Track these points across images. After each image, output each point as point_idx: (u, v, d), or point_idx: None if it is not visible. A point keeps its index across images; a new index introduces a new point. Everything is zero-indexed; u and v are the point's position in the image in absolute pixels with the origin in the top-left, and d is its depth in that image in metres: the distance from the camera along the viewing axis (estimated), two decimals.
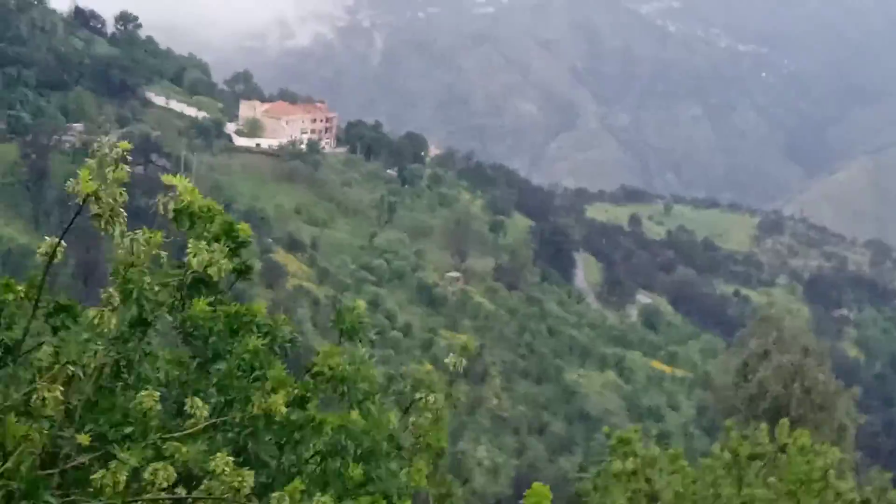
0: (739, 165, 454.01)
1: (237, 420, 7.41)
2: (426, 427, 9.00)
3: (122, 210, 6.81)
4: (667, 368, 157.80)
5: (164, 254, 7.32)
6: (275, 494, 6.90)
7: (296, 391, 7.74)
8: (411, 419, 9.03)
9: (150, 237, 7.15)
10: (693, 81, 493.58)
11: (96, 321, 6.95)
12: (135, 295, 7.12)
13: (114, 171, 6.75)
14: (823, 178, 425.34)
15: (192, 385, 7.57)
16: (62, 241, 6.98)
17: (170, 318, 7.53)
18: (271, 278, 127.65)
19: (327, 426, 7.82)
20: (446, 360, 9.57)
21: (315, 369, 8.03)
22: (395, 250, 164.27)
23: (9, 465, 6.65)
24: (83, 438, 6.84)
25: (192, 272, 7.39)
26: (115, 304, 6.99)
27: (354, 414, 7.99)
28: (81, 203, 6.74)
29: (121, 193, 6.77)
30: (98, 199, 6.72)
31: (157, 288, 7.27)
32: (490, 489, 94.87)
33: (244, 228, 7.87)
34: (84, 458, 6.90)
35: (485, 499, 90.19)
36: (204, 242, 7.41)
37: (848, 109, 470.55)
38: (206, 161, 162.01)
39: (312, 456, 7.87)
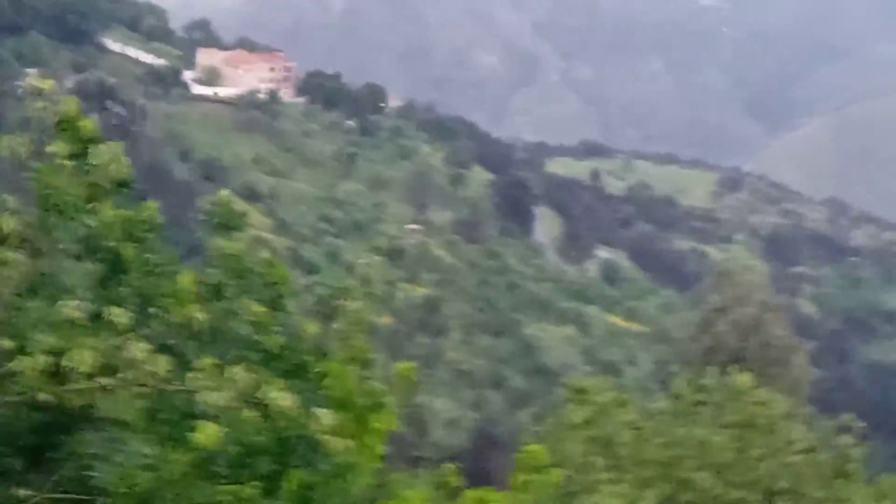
0: (701, 121, 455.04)
1: (158, 328, 7.53)
2: (349, 333, 9.15)
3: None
4: (625, 323, 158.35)
5: (68, 163, 7.35)
6: (190, 374, 7.05)
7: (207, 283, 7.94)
8: (334, 326, 9.21)
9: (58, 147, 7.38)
10: (656, 36, 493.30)
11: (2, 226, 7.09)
12: (53, 200, 7.19)
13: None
14: (784, 135, 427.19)
15: (106, 294, 7.60)
16: None
17: (87, 223, 7.53)
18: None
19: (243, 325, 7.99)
20: (363, 260, 9.74)
21: (215, 262, 8.26)
22: (355, 202, 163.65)
23: None
24: (6, 342, 6.95)
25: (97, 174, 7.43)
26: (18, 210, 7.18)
27: (264, 311, 8.08)
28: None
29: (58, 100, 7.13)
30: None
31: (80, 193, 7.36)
32: (448, 441, 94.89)
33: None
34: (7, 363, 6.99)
35: (443, 451, 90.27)
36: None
37: (812, 67, 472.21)
38: (163, 109, 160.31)
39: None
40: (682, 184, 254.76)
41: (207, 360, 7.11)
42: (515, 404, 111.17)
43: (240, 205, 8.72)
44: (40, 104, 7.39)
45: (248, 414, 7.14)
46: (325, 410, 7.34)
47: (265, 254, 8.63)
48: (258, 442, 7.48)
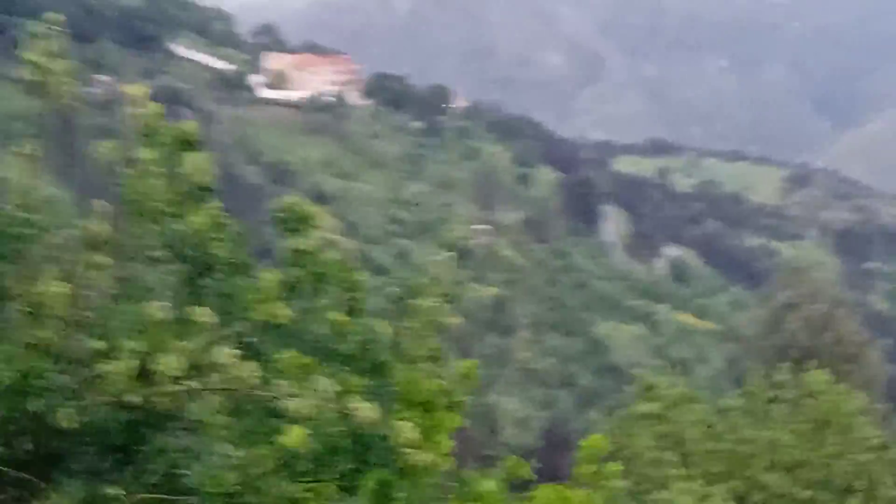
0: (767, 118, 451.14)
1: (239, 331, 7.71)
2: (421, 332, 9.22)
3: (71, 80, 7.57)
4: (695, 321, 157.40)
5: (160, 169, 7.57)
6: (280, 381, 7.24)
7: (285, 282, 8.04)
8: (406, 325, 9.26)
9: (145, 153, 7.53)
10: (720, 33, 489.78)
11: (92, 231, 7.36)
12: (141, 206, 7.47)
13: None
14: (853, 131, 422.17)
15: (188, 297, 7.86)
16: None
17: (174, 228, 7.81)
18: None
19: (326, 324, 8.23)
20: (436, 258, 10.08)
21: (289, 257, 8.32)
22: (423, 203, 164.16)
23: (22, 366, 7.00)
24: (97, 343, 7.16)
25: (188, 181, 7.62)
26: (108, 215, 7.41)
27: (344, 317, 8.31)
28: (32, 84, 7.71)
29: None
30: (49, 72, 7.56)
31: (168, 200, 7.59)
32: (518, 441, 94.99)
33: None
34: (97, 365, 7.19)
35: (513, 450, 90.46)
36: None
37: (879, 61, 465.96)
38: (231, 114, 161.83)
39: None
40: (750, 180, 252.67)
41: (291, 362, 7.33)
42: (585, 403, 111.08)
43: (310, 207, 8.97)
44: (130, 111, 7.55)
45: (331, 418, 7.39)
46: (408, 424, 7.62)
47: (338, 255, 8.84)
48: (339, 441, 7.68)
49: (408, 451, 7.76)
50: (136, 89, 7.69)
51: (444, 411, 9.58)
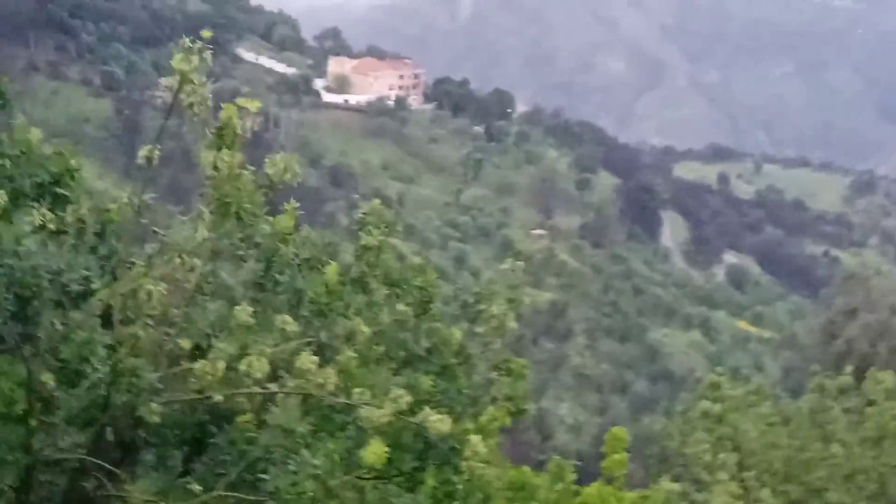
0: (832, 124, 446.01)
1: (322, 339, 8.12)
2: (491, 335, 9.50)
3: (207, 96, 7.64)
4: (753, 329, 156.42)
5: (246, 171, 7.94)
6: (357, 389, 7.50)
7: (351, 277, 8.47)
8: (476, 329, 9.52)
9: (233, 154, 7.84)
10: (785, 38, 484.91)
11: (190, 231, 7.73)
12: (234, 209, 7.77)
13: (199, 59, 7.77)
14: None
15: (264, 294, 8.27)
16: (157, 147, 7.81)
17: (262, 229, 8.18)
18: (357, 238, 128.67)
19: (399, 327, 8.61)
20: (503, 266, 10.13)
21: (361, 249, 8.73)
22: (481, 207, 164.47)
23: (118, 360, 7.32)
24: (185, 342, 7.56)
25: (273, 183, 8.11)
26: (206, 218, 7.72)
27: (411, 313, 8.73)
28: (175, 90, 7.65)
29: (203, 82, 7.71)
30: (188, 81, 7.66)
31: (254, 200, 7.94)
32: (572, 447, 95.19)
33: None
34: (186, 361, 7.56)
35: (567, 455, 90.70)
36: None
37: None
38: (294, 117, 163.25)
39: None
40: (812, 188, 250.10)
41: (349, 362, 7.67)
42: (639, 409, 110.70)
43: (389, 213, 9.40)
44: (229, 117, 7.92)
45: (405, 429, 7.75)
46: (476, 437, 7.80)
47: (415, 258, 9.30)
48: (405, 442, 7.98)
49: (476, 465, 7.94)
50: (250, 103, 8.07)
51: (495, 411, 10.01)
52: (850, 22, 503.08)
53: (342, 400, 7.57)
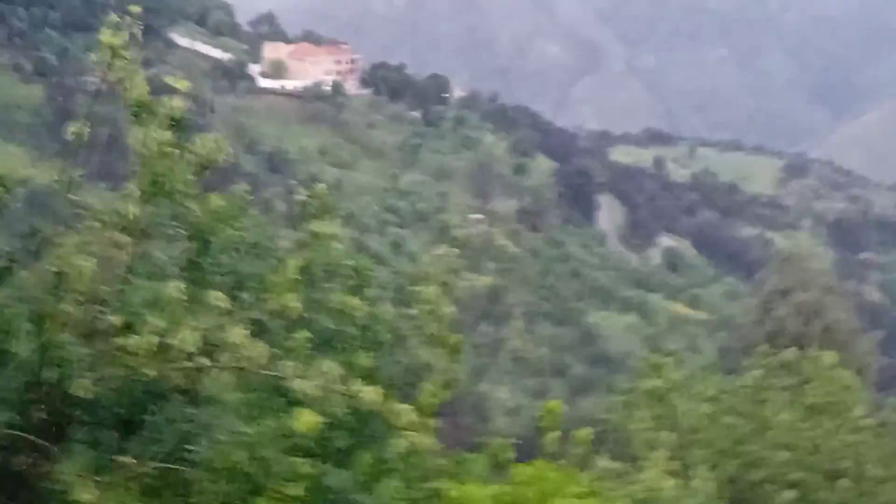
0: (766, 108, 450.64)
1: (255, 315, 8.06)
2: (426, 318, 9.57)
3: (138, 71, 7.63)
4: (689, 311, 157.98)
5: (175, 151, 7.91)
6: (288, 363, 7.51)
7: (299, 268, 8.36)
8: (410, 311, 9.63)
9: (162, 132, 7.80)
10: (720, 23, 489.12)
11: (120, 210, 7.67)
12: (165, 187, 7.74)
13: (128, 34, 7.67)
14: (850, 121, 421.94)
15: (198, 275, 8.25)
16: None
17: (193, 208, 8.16)
18: (294, 219, 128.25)
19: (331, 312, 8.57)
20: (437, 252, 10.16)
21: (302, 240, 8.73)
22: (419, 192, 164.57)
23: (47, 337, 7.36)
24: (117, 319, 7.51)
25: (202, 161, 8.04)
26: (136, 196, 7.70)
27: (354, 300, 8.65)
28: (105, 66, 7.60)
29: (135, 58, 7.66)
30: (118, 56, 7.60)
31: (185, 181, 7.91)
32: (511, 430, 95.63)
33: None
34: (115, 338, 7.51)
35: (505, 438, 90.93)
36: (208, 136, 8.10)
37: (876, 52, 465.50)
38: (230, 103, 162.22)
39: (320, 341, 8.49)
40: (746, 171, 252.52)
41: (301, 344, 7.73)
42: (577, 392, 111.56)
43: (332, 198, 9.42)
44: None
45: (336, 399, 7.64)
46: (407, 407, 7.73)
47: (346, 244, 9.33)
48: (338, 418, 7.93)
49: (407, 433, 7.94)
50: (179, 83, 8.03)
51: (433, 389, 10.05)
52: (783, 7, 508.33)
53: (273, 372, 7.55)
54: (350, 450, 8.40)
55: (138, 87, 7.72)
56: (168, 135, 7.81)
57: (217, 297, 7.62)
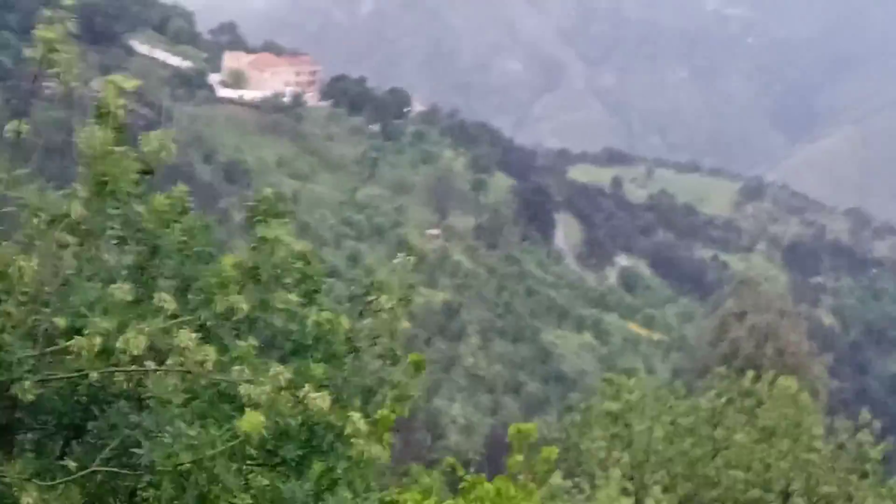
0: (724, 130, 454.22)
1: (200, 317, 7.92)
2: (381, 328, 9.36)
3: (75, 65, 7.44)
4: (644, 331, 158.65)
5: (118, 149, 7.82)
6: (236, 367, 7.41)
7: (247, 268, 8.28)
8: (366, 321, 9.39)
9: (106, 130, 7.65)
10: (680, 44, 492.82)
11: (64, 209, 7.47)
12: (110, 187, 7.59)
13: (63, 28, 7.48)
14: (807, 145, 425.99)
15: (146, 278, 8.16)
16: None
17: (136, 208, 8.05)
18: (249, 229, 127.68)
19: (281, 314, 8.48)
20: (396, 261, 10.06)
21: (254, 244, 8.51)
22: (376, 206, 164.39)
23: None
24: (61, 321, 7.32)
25: (147, 161, 7.89)
26: (80, 195, 7.53)
27: (298, 300, 8.58)
28: (40, 60, 7.38)
29: (72, 51, 7.42)
30: (53, 50, 7.35)
31: (130, 178, 7.76)
32: (464, 446, 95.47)
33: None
34: (59, 340, 7.34)
35: (458, 455, 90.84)
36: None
37: (835, 77, 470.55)
38: (188, 111, 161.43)
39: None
40: (703, 192, 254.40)
41: (248, 350, 7.60)
42: (532, 410, 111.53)
43: (284, 202, 9.32)
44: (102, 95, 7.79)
45: (285, 405, 7.54)
46: (356, 415, 7.72)
47: (300, 246, 9.19)
48: (289, 428, 7.87)
49: (357, 441, 7.87)
50: (126, 82, 7.84)
51: (391, 404, 9.92)
52: (744, 30, 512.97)
53: (221, 377, 7.44)
54: (300, 459, 8.17)
55: (76, 80, 7.56)
56: (111, 134, 7.63)
57: (163, 299, 7.47)
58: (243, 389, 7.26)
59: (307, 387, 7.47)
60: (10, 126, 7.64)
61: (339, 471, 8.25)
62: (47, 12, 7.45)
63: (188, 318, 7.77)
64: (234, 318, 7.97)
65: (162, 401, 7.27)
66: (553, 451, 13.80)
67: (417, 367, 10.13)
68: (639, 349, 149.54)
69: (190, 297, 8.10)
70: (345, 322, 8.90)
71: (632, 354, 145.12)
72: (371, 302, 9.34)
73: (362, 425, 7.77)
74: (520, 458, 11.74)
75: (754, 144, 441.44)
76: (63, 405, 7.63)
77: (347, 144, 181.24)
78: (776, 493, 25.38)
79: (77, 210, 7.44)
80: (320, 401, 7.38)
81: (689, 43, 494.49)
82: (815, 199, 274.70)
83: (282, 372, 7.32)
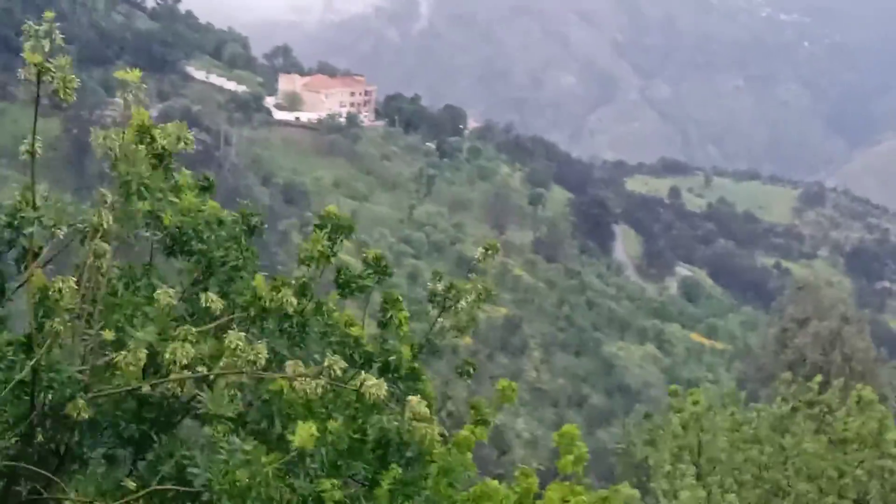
0: (781, 137, 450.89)
1: (246, 315, 7.75)
2: (460, 328, 9.26)
3: (73, 77, 7.13)
4: (706, 341, 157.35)
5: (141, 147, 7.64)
6: (289, 362, 7.11)
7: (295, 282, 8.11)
8: (444, 322, 9.30)
9: (121, 133, 7.40)
10: (735, 52, 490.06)
11: (94, 219, 7.21)
12: (135, 187, 7.33)
13: (50, 42, 7.16)
14: (866, 150, 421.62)
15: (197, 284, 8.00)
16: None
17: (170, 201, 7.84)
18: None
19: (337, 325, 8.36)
20: (475, 256, 9.94)
21: (302, 255, 8.30)
22: (434, 223, 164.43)
23: (41, 358, 6.95)
24: (107, 334, 7.14)
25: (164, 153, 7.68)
26: (109, 202, 7.27)
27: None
28: (37, 79, 7.06)
29: (65, 63, 7.11)
30: (45, 70, 7.07)
31: (156, 179, 7.52)
32: (528, 461, 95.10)
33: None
34: (110, 354, 7.15)
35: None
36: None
37: (892, 80, 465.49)
38: (245, 135, 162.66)
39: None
40: (762, 200, 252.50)
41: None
42: (595, 423, 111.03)
43: (349, 219, 9.11)
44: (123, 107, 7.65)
45: (340, 403, 7.48)
46: (415, 398, 7.21)
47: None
48: (351, 445, 7.67)
49: (416, 424, 7.33)
50: (129, 74, 7.71)
51: (478, 427, 9.69)
52: (798, 36, 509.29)
53: (274, 374, 7.20)
54: (373, 475, 7.87)
55: (73, 97, 7.39)
56: (129, 136, 7.53)
57: (212, 300, 7.31)
58: (296, 384, 6.96)
59: (361, 373, 7.13)
60: (24, 147, 7.49)
61: (411, 483, 7.89)
62: (27, 24, 7.27)
63: (237, 314, 7.62)
64: (285, 326, 7.83)
65: (216, 415, 7.01)
66: (583, 449, 13.67)
67: (505, 395, 9.74)
68: (702, 359, 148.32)
69: (232, 295, 7.89)
70: (407, 352, 8.72)
71: (695, 364, 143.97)
72: (450, 304, 9.27)
73: (420, 407, 7.26)
74: (570, 458, 11.61)
75: (813, 150, 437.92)
76: (120, 421, 7.42)
77: (403, 163, 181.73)
78: (850, 500, 25.01)
79: (105, 215, 7.33)
80: (375, 388, 6.95)
81: (743, 51, 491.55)
82: (877, 203, 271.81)
83: (337, 360, 7.00)
